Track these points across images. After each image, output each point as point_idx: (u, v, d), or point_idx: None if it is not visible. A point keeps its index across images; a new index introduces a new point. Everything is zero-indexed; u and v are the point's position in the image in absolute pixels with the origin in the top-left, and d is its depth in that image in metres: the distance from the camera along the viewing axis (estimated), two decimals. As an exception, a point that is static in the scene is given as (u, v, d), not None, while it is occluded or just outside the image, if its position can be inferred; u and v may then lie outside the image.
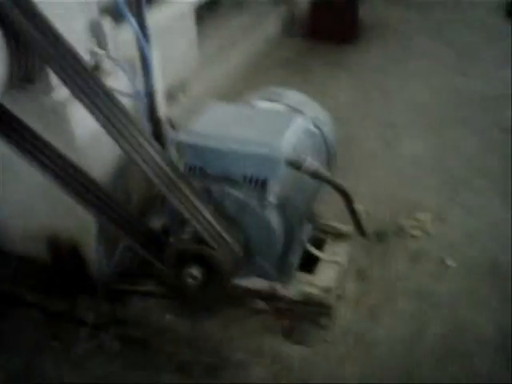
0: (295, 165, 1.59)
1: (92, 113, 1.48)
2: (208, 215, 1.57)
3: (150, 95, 1.96)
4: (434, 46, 4.45)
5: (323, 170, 1.64)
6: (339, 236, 2.10)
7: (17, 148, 1.54)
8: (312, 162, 1.61)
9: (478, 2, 5.27)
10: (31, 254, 2.05)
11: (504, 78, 3.79)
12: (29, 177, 1.80)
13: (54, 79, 1.65)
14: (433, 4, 5.30)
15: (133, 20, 1.81)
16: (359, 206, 1.77)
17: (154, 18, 2.11)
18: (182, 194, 1.54)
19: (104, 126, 1.49)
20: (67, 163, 1.61)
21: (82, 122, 1.73)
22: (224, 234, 1.59)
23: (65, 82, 1.45)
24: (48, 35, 1.40)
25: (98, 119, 1.48)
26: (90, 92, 1.46)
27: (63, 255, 1.90)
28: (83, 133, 1.77)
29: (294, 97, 2.08)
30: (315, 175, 1.63)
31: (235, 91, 3.47)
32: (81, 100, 1.46)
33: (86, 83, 1.45)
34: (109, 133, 1.49)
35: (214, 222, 1.58)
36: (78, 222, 1.84)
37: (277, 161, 1.55)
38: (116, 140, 1.49)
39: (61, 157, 1.61)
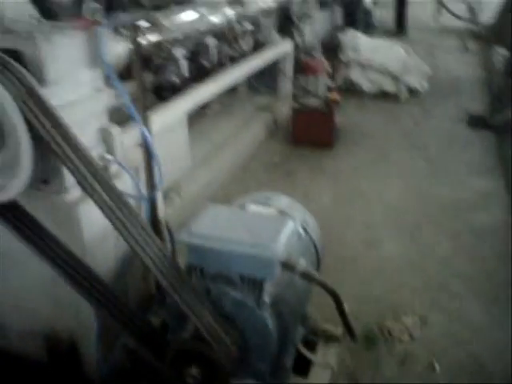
0: (289, 266, 1.69)
1: (102, 210, 1.58)
2: (207, 314, 1.64)
3: (152, 197, 2.09)
4: (404, 152, 4.81)
5: (314, 272, 1.75)
6: (330, 338, 2.16)
7: (27, 243, 1.62)
8: (304, 264, 1.72)
9: (442, 114, 5.80)
10: (27, 352, 2.03)
11: (471, 185, 4.11)
12: (30, 273, 1.85)
13: (68, 181, 1.78)
14: (401, 113, 5.81)
15: (140, 121, 1.98)
16: (346, 308, 1.86)
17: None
18: (183, 291, 1.62)
19: (113, 223, 1.58)
20: (74, 259, 1.70)
21: (91, 222, 1.84)
22: (223, 334, 1.64)
23: (79, 183, 1.57)
24: (68, 139, 1.54)
25: (108, 216, 1.58)
26: (101, 191, 1.57)
27: (61, 353, 1.89)
28: (91, 231, 1.86)
29: (283, 200, 2.24)
30: (307, 277, 1.73)
31: (225, 193, 3.66)
32: (93, 198, 1.58)
33: (99, 183, 1.58)
34: (117, 229, 1.58)
35: (213, 321, 1.64)
36: (78, 320, 1.87)
37: (272, 262, 1.66)
38: (123, 236, 1.58)
39: (68, 253, 1.69)
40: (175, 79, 2.86)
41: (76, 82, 1.75)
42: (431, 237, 3.40)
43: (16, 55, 1.54)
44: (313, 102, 4.55)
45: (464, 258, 3.17)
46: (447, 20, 10.52)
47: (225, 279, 1.74)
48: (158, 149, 2.15)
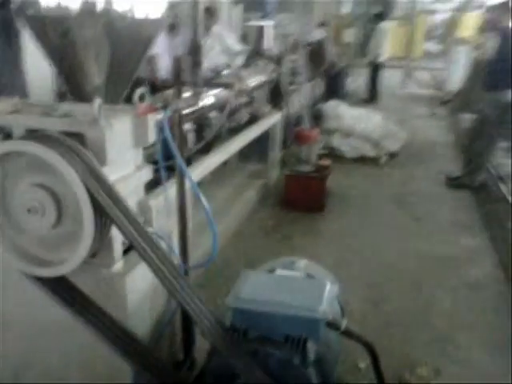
0: (334, 326, 1.82)
1: (154, 271, 1.71)
2: (257, 372, 1.73)
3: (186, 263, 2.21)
4: (391, 212, 5.07)
5: (355, 330, 1.87)
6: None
7: (73, 312, 1.73)
8: (345, 323, 1.85)
9: (421, 176, 6.15)
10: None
11: (459, 241, 4.35)
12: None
13: (116, 254, 1.89)
14: (383, 176, 6.13)
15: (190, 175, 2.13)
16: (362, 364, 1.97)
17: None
18: (232, 349, 1.72)
19: (163, 283, 1.72)
20: (117, 326, 1.80)
21: (133, 291, 1.93)
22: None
23: (136, 248, 1.70)
24: (125, 212, 1.68)
25: (158, 277, 1.71)
26: (154, 255, 1.71)
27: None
28: (133, 299, 1.95)
29: (306, 264, 2.39)
30: (349, 334, 1.85)
31: (223, 258, 3.77)
32: (147, 262, 1.71)
33: (151, 249, 1.71)
34: (167, 288, 1.72)
35: (263, 379, 1.73)
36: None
37: (319, 322, 1.78)
38: (174, 296, 1.72)
39: (112, 320, 1.80)
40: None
41: (124, 160, 1.91)
42: (431, 292, 3.57)
43: (80, 137, 1.70)
44: (305, 168, 4.80)
45: (465, 311, 3.34)
46: (414, 87, 11.28)
47: (269, 341, 1.85)
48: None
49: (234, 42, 6.28)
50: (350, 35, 11.65)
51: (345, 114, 6.61)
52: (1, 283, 2.02)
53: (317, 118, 6.35)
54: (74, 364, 2.05)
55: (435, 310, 3.35)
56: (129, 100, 2.28)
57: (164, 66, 5.65)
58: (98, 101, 1.66)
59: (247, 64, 5.62)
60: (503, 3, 5.93)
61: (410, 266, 3.97)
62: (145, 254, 1.67)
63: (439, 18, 27.31)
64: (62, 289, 1.79)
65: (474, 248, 4.27)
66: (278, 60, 5.45)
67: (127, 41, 2.48)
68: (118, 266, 1.90)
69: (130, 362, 1.83)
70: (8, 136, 1.80)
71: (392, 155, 6.67)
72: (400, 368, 2.73)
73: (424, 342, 3.01)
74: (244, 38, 6.31)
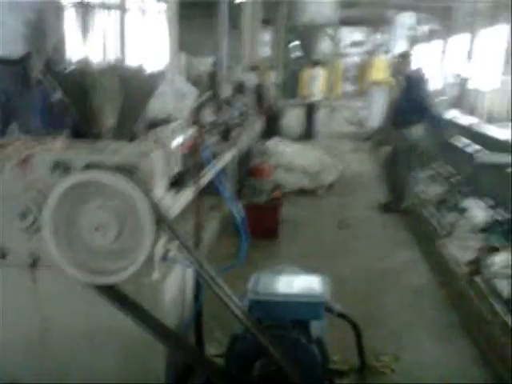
0: (331, 309, 2.35)
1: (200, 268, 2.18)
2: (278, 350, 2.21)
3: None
4: (336, 234, 5.77)
5: (346, 313, 2.42)
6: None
7: (124, 313, 2.16)
8: (338, 307, 2.39)
9: (356, 203, 6.95)
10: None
11: (397, 255, 5.10)
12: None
13: (156, 264, 2.30)
14: (323, 204, 6.86)
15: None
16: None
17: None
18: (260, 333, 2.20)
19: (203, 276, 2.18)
20: (157, 322, 2.23)
21: (168, 294, 2.36)
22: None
23: (187, 253, 2.16)
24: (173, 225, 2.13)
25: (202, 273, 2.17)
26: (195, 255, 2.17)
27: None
28: (168, 301, 2.37)
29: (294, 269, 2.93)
30: (341, 316, 2.39)
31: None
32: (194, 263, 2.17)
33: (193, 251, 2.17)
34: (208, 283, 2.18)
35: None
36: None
37: (321, 305, 2.30)
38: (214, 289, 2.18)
39: (153, 318, 2.22)
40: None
41: (159, 186, 2.36)
42: (381, 297, 4.21)
43: (134, 168, 2.14)
44: (260, 199, 5.37)
45: (411, 311, 4.01)
46: (338, 125, 12.43)
47: (280, 326, 2.33)
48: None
49: (183, 85, 6.83)
50: (272, 77, 12.64)
51: (285, 150, 7.32)
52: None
53: (261, 154, 7.00)
54: (112, 365, 2.40)
55: (386, 312, 3.98)
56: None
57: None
58: (150, 139, 2.12)
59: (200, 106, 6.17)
60: (405, 52, 7.10)
61: (359, 277, 4.61)
62: (192, 258, 2.12)
63: (350, 61, 29.82)
64: (115, 294, 2.17)
65: (409, 260, 5.02)
66: (227, 102, 6.06)
67: (136, 89, 2.94)
68: (156, 274, 2.31)
69: (168, 348, 2.23)
70: (66, 169, 2.19)
71: (329, 186, 7.45)
72: (368, 357, 3.29)
73: (382, 336, 3.61)
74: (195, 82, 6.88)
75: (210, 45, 10.11)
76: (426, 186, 6.81)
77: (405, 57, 6.57)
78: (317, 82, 11.22)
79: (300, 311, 2.30)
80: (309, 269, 4.62)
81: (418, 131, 6.12)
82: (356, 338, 2.46)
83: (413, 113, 6.02)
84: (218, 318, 3.22)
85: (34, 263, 2.22)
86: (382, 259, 5.03)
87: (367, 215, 6.49)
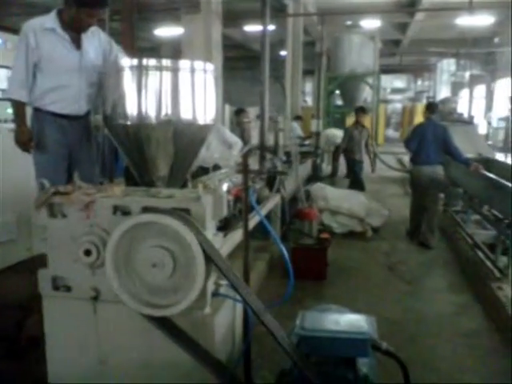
0: (377, 347, 2.38)
1: (245, 301, 2.29)
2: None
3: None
4: (384, 277, 5.72)
5: (393, 350, 2.44)
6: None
7: (177, 344, 2.28)
8: (385, 344, 2.42)
9: (405, 246, 6.90)
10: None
11: (449, 299, 4.99)
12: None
13: (208, 299, 2.44)
14: (371, 247, 6.84)
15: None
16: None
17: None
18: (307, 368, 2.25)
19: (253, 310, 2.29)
20: (208, 354, 2.33)
21: (220, 327, 2.48)
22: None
23: (232, 286, 2.28)
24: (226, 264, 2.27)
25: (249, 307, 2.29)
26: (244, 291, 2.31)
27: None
28: (219, 334, 2.48)
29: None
30: (388, 354, 2.41)
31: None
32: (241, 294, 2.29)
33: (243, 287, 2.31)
34: (255, 314, 2.28)
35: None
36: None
37: (367, 342, 2.34)
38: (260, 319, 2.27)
39: (205, 351, 2.33)
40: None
41: (209, 228, 2.53)
42: (432, 340, 4.13)
43: (186, 211, 2.32)
44: (309, 241, 5.45)
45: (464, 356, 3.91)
46: (383, 170, 12.42)
47: (326, 361, 2.38)
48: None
49: (229, 136, 7.15)
50: (316, 125, 12.91)
51: (330, 194, 7.41)
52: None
53: (306, 198, 7.11)
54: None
55: (438, 357, 3.90)
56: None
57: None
58: (201, 185, 2.31)
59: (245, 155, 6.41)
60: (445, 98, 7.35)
61: (408, 319, 4.55)
62: (242, 294, 2.25)
63: (391, 107, 30.03)
64: (169, 326, 2.31)
65: (462, 304, 4.91)
66: (274, 151, 6.27)
67: (187, 141, 3.19)
68: (208, 309, 2.44)
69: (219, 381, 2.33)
70: (125, 213, 2.40)
71: (375, 230, 7.43)
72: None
73: (433, 380, 3.53)
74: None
75: (253, 96, 10.55)
76: (473, 229, 6.87)
77: (445, 103, 6.80)
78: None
79: (346, 348, 2.35)
80: (357, 310, 4.76)
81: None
82: (404, 379, 2.47)
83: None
84: (266, 356, 3.30)
85: (96, 296, 2.41)
86: (434, 302, 4.95)
87: (417, 257, 6.42)
